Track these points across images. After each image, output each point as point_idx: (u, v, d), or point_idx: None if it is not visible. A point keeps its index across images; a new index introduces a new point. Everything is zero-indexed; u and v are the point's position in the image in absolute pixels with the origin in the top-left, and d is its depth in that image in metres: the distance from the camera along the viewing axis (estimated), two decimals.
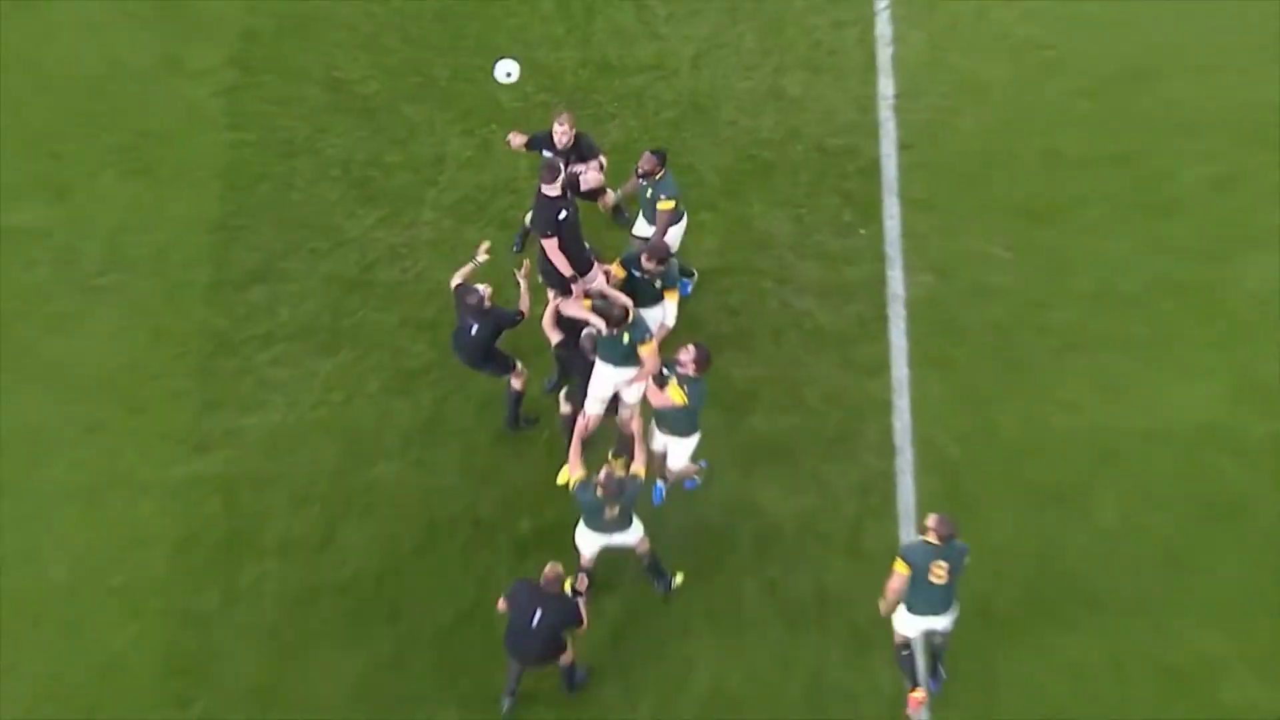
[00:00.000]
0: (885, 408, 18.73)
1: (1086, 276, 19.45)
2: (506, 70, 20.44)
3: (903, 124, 20.57)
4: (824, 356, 19.09)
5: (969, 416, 18.65)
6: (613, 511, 16.52)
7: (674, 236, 19.41)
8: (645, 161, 18.59)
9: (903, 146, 20.62)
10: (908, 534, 17.82)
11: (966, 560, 16.67)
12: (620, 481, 16.24)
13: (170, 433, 18.65)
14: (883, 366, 19.02)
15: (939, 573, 16.13)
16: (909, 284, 19.50)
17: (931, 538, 16.15)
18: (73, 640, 17.22)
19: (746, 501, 18.14)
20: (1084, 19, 21.20)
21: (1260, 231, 19.63)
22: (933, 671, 17.31)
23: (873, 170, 20.35)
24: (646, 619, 17.62)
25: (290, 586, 17.57)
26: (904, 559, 16.43)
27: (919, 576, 16.27)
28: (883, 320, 19.33)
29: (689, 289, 19.63)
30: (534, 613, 16.63)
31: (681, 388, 16.96)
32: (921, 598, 16.49)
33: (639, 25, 21.47)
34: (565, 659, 17.10)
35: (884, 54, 21.25)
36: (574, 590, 16.95)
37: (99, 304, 19.49)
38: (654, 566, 17.62)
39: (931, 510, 16.53)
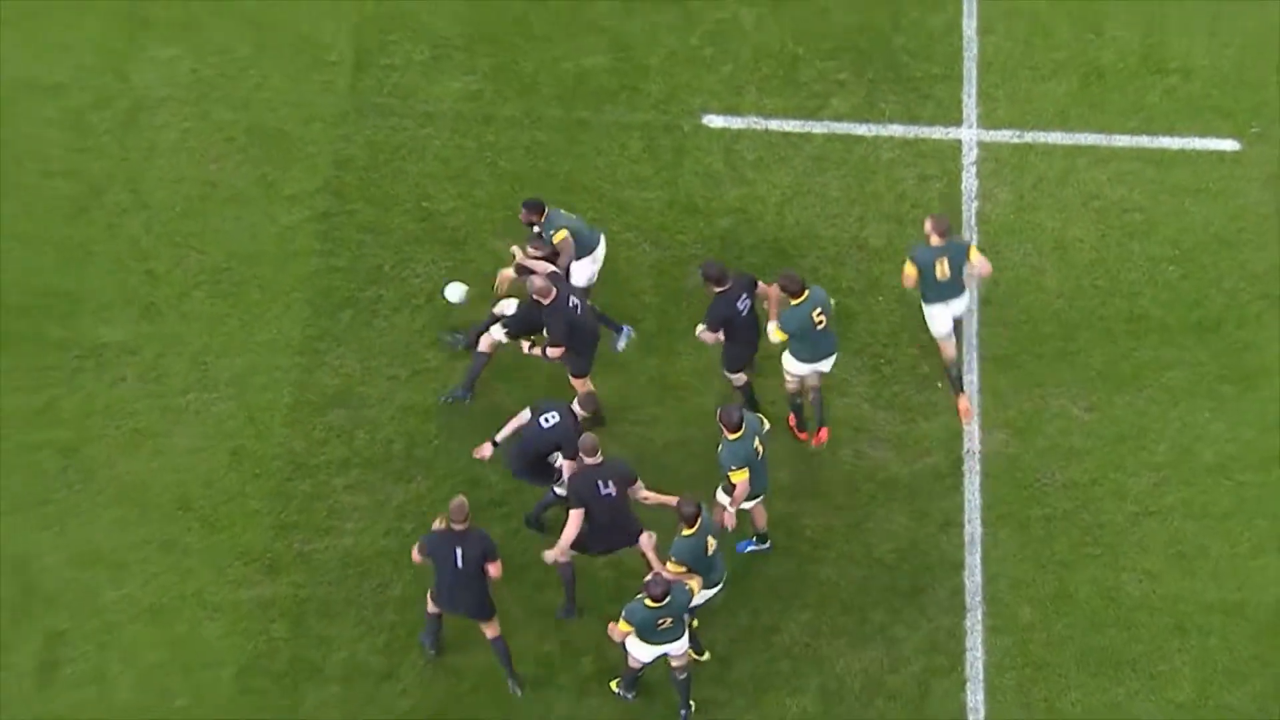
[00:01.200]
0: (958, 565, 18.43)
1: (1166, 443, 19.12)
2: (455, 293, 20.29)
3: (985, 279, 20.11)
4: (897, 508, 18.81)
5: (1043, 578, 18.27)
6: (664, 622, 16.28)
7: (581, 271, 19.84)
8: (522, 216, 19.22)
9: (984, 302, 20.40)
10: (976, 695, 17.51)
11: (970, 254, 19.35)
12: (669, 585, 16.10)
13: (243, 553, 18.45)
14: (956, 522, 18.71)
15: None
16: (985, 440, 19.22)
17: (934, 240, 18.89)
18: None
19: (814, 652, 17.75)
20: (1174, 185, 20.98)
21: None
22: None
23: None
24: None
25: (351, 714, 17.38)
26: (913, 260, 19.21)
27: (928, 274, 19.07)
28: (958, 475, 19.05)
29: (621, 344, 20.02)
30: (454, 552, 16.98)
31: None
32: (934, 291, 19.19)
33: (726, 169, 21.32)
34: (491, 631, 17.46)
35: (969, 209, 21.10)
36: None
37: (181, 422, 19.33)
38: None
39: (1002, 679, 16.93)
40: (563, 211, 19.55)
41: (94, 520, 18.48)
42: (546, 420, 18.07)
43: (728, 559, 17.45)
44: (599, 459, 17.24)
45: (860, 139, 21.47)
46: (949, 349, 20.10)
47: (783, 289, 18.72)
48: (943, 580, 18.16)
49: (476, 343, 19.52)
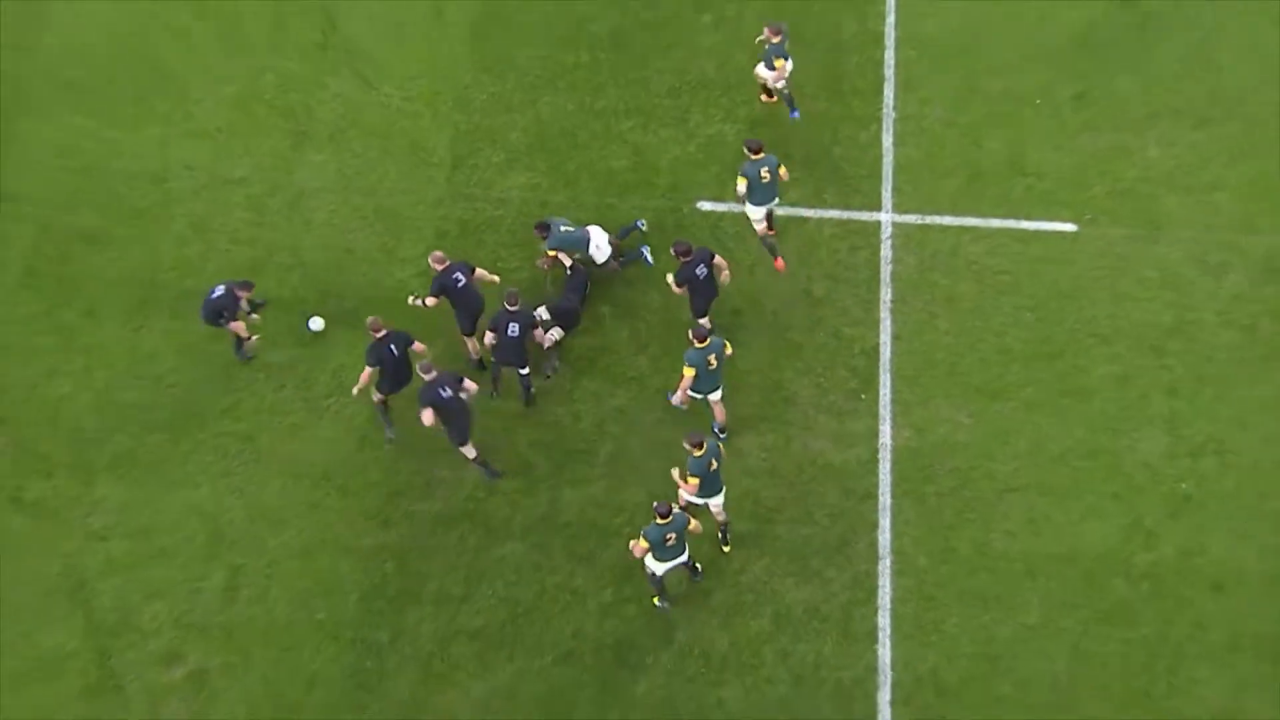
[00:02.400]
0: (873, 526, 18.44)
1: (1024, 439, 19.06)
2: (316, 325, 20.43)
3: (896, 321, 20.16)
4: (830, 485, 18.81)
5: (934, 537, 18.33)
6: (670, 538, 16.52)
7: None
8: (536, 233, 20.17)
9: (895, 337, 20.14)
10: (884, 619, 17.63)
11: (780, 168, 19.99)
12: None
13: (366, 512, 18.59)
14: (873, 495, 18.72)
15: (766, 175, 19.83)
16: (895, 437, 19.17)
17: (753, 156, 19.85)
18: (289, 657, 17.39)
19: (769, 588, 17.92)
20: (1031, 255, 20.66)
21: (1150, 417, 19.22)
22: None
23: (874, 353, 19.94)
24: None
25: (440, 628, 17.59)
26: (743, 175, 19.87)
27: (754, 182, 19.86)
28: (875, 462, 18.99)
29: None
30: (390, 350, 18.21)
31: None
32: (759, 195, 20.03)
33: (713, 240, 20.87)
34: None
35: (885, 271, 20.67)
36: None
37: (324, 419, 19.46)
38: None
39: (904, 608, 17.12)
40: (562, 223, 20.08)
41: (263, 487, 18.73)
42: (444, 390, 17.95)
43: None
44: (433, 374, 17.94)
45: (808, 219, 21.27)
46: (764, 228, 20.63)
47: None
48: (862, 536, 18.24)
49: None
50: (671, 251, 19.33)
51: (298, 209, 21.44)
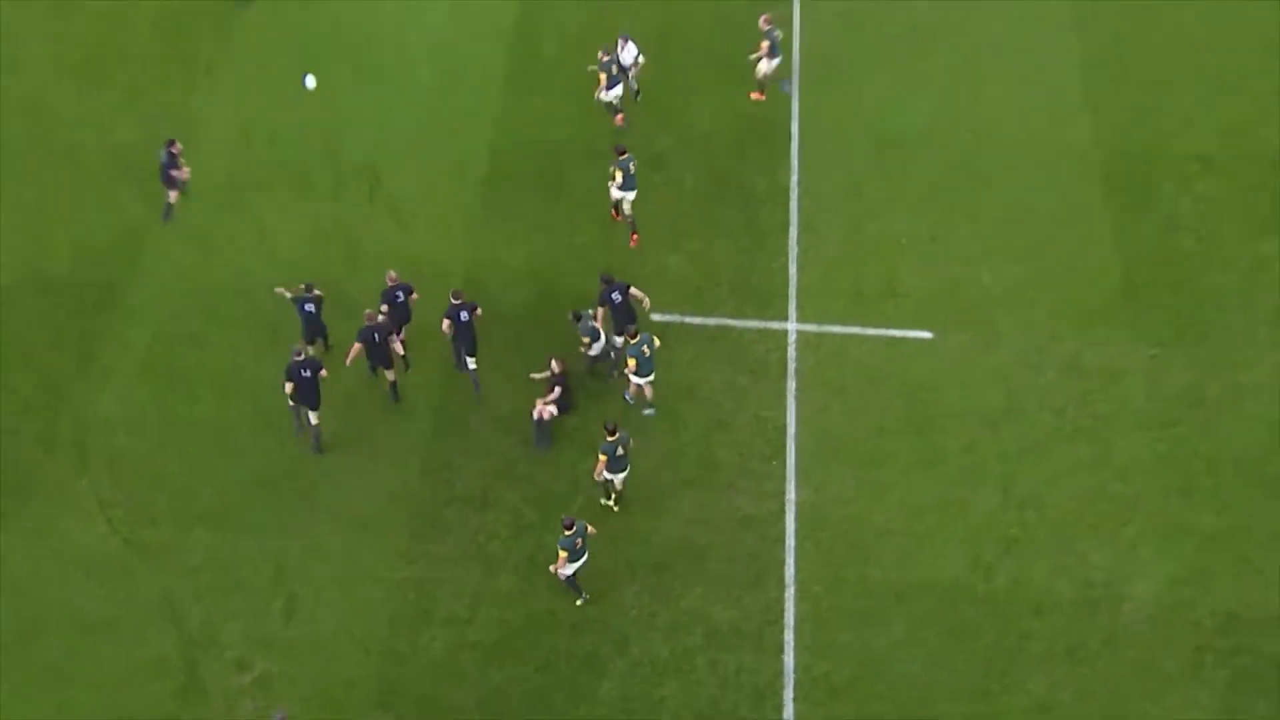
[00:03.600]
0: (781, 563, 18.10)
1: (895, 496, 18.86)
2: (310, 82, 20.65)
3: (800, 406, 20.05)
4: (749, 531, 18.52)
5: (827, 571, 18.01)
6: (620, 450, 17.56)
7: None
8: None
9: (800, 418, 19.86)
10: (789, 636, 17.22)
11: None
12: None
13: (393, 551, 18.16)
14: (781, 539, 18.36)
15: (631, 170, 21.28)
16: (798, 494, 18.93)
17: (621, 157, 21.32)
18: (332, 665, 16.95)
19: (701, 612, 17.53)
20: (901, 354, 20.80)
21: (986, 478, 19.09)
22: None
23: (783, 430, 19.75)
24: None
25: (449, 643, 17.20)
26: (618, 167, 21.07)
27: (625, 174, 21.21)
28: (783, 514, 18.69)
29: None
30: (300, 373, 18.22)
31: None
32: (627, 184, 21.36)
33: (661, 344, 20.06)
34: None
35: (791, 367, 20.64)
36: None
37: (362, 479, 19.13)
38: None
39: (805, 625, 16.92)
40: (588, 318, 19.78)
41: (314, 532, 18.26)
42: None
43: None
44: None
45: (733, 328, 21.05)
46: (628, 209, 21.62)
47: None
48: (773, 571, 17.91)
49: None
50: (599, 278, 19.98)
51: (355, 315, 20.34)
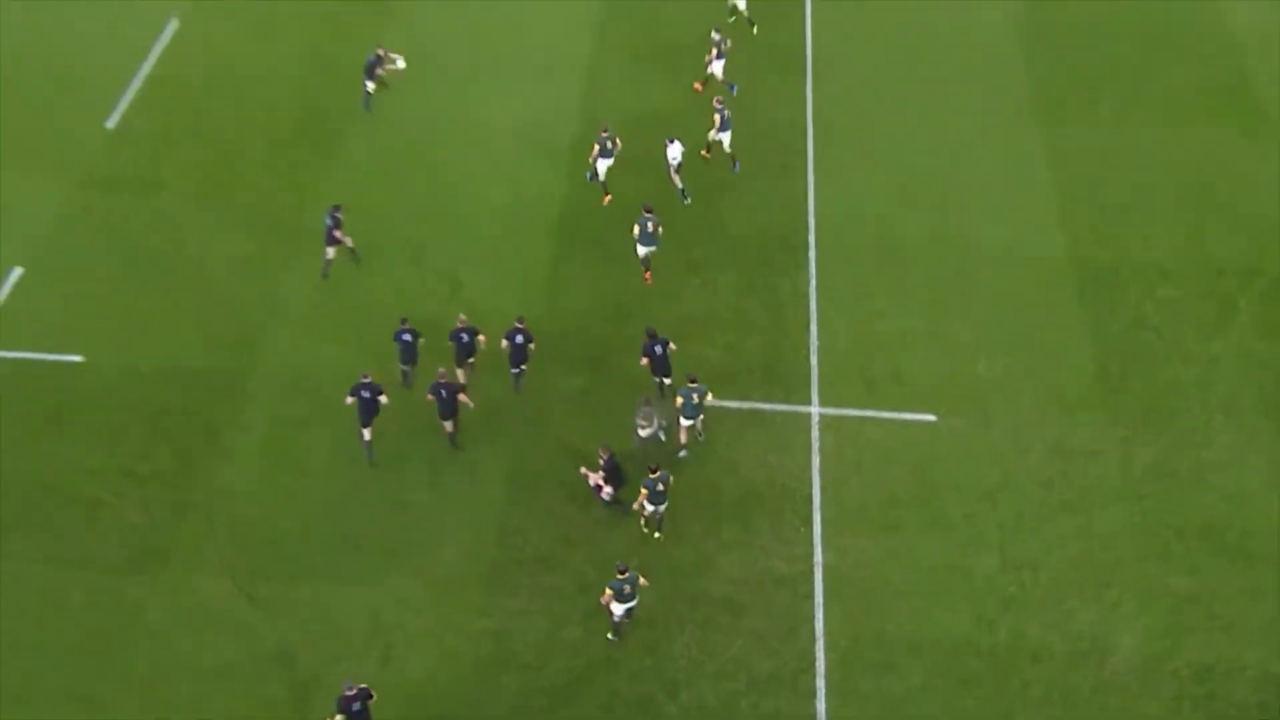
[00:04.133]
0: (811, 618, 18.18)
1: (908, 558, 18.92)
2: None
3: (823, 478, 20.01)
4: (783, 590, 18.60)
5: (851, 625, 18.05)
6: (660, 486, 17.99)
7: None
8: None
9: (823, 489, 19.89)
10: (820, 683, 17.20)
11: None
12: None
13: (472, 607, 18.20)
14: (810, 596, 18.44)
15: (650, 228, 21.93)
16: (824, 557, 18.98)
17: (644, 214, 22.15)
18: (423, 704, 17.07)
19: (743, 661, 17.56)
20: (905, 436, 20.74)
21: (987, 543, 19.15)
22: None
23: (809, 501, 19.79)
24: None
25: (522, 686, 17.21)
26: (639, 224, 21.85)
27: (643, 230, 22.03)
28: (811, 574, 18.79)
29: None
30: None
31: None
32: (643, 240, 22.04)
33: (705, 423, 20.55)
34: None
35: (814, 445, 20.67)
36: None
37: (442, 545, 19.17)
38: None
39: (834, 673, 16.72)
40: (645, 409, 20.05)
41: (405, 588, 18.30)
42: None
43: None
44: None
45: (764, 411, 20.99)
46: (647, 258, 22.37)
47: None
48: (804, 625, 17.94)
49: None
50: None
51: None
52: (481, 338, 20.79)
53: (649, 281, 22.55)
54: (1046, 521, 19.37)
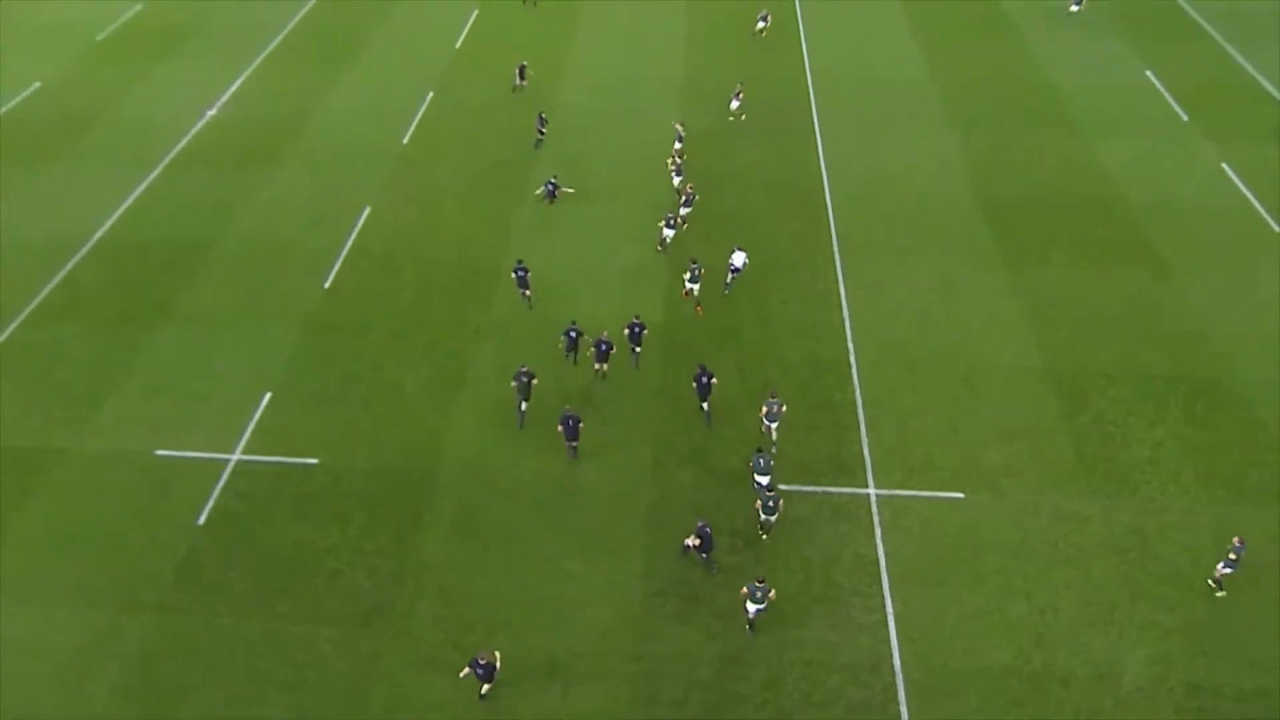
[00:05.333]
0: (889, 659, 17.98)
1: (956, 607, 18.64)
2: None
3: (885, 545, 19.77)
4: (860, 652, 18.27)
5: (920, 658, 17.76)
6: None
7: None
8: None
9: (885, 554, 19.67)
10: (900, 681, 17.00)
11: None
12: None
13: (626, 652, 17.83)
14: (888, 640, 18.29)
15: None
16: (894, 610, 18.75)
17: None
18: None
19: None
20: (943, 509, 20.55)
21: (1015, 594, 19.16)
22: None
23: (875, 564, 19.60)
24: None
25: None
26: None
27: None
28: (886, 623, 18.60)
29: None
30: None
31: None
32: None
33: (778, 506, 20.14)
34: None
35: (876, 519, 20.37)
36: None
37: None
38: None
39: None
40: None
41: (569, 637, 17.94)
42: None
43: None
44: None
45: (833, 494, 20.74)
46: (695, 290, 23.63)
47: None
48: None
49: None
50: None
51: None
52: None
53: (700, 313, 23.38)
54: (1057, 572, 19.43)
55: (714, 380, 21.22)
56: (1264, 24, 39.30)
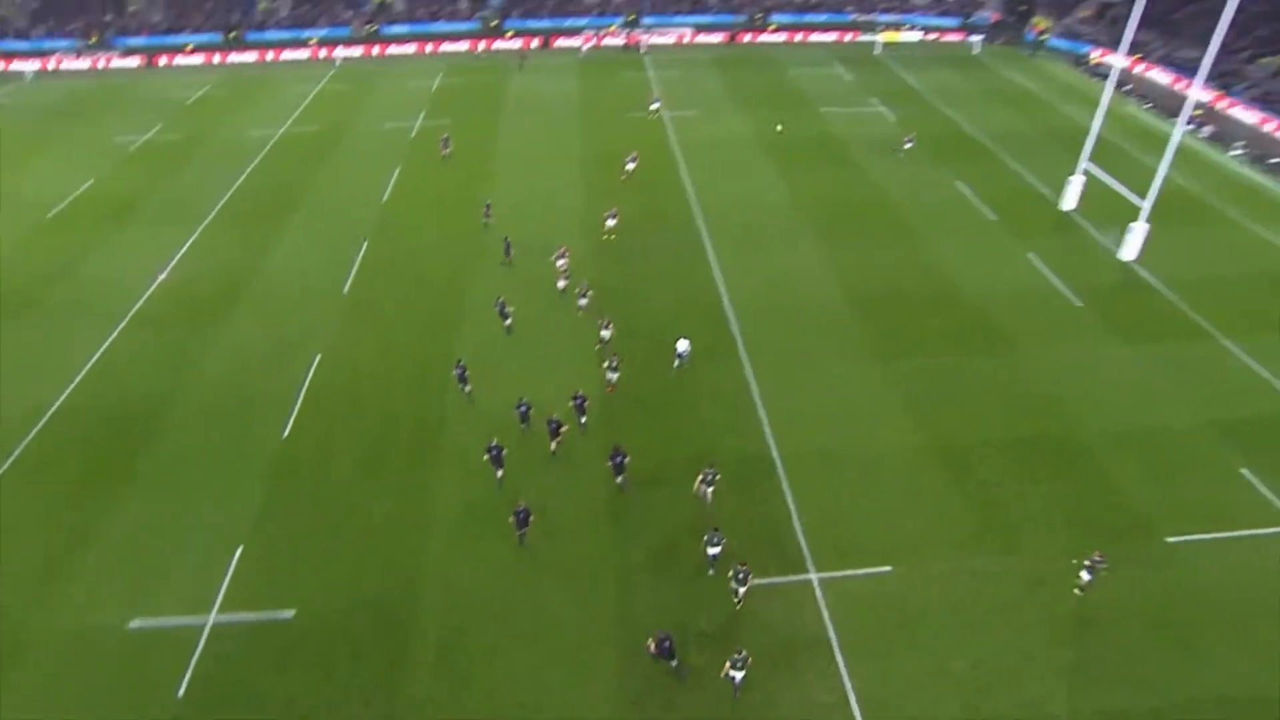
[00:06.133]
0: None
1: (899, 677, 17.69)
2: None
3: (832, 619, 18.97)
4: None
5: None
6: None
7: None
8: None
9: (831, 619, 18.87)
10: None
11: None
12: None
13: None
14: (851, 716, 17.25)
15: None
16: (853, 685, 17.62)
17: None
18: None
19: None
20: (872, 581, 19.75)
21: (958, 657, 18.49)
22: None
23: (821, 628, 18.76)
24: None
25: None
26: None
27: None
28: (846, 700, 17.49)
29: None
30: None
31: None
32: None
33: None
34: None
35: (820, 599, 19.39)
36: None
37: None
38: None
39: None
40: None
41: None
42: None
43: None
44: None
45: (778, 584, 19.55)
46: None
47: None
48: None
49: None
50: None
51: None
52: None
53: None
54: (984, 627, 18.90)
55: (628, 459, 21.29)
56: (1029, 142, 44.10)
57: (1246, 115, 45.14)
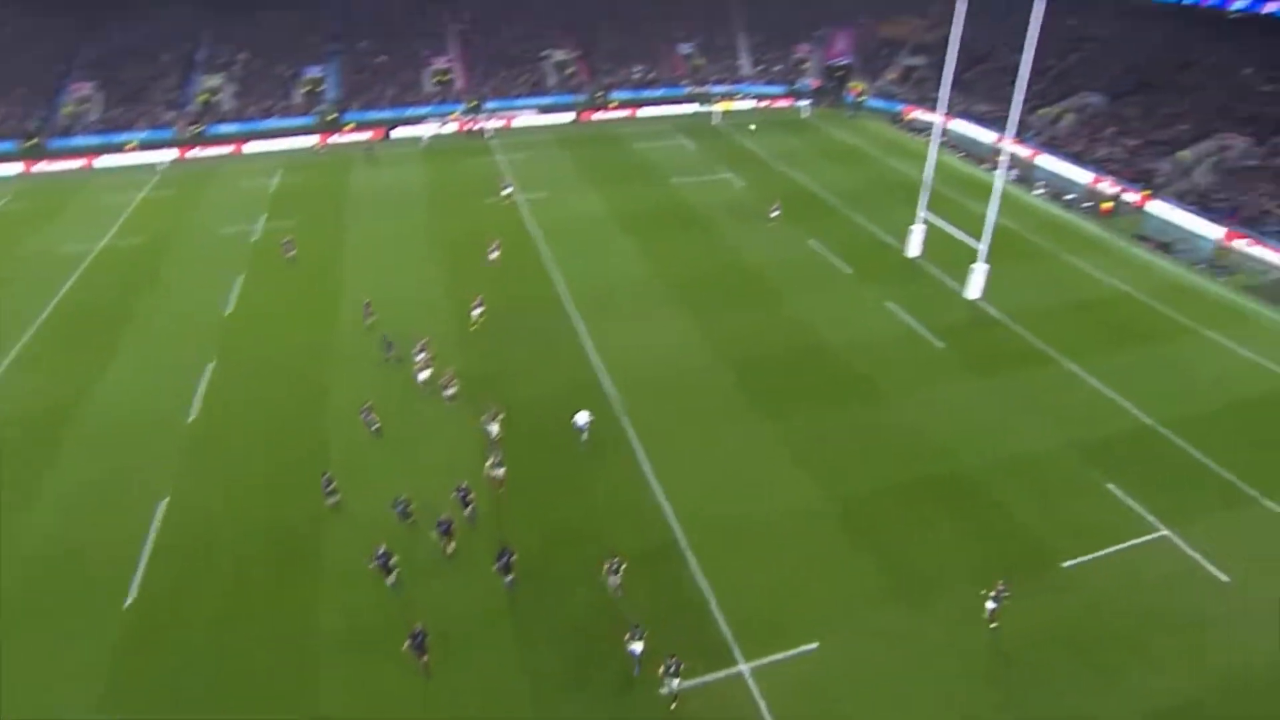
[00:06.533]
0: None
1: None
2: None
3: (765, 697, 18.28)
4: None
5: None
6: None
7: None
8: None
9: (763, 695, 18.28)
10: None
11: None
12: None
13: None
14: None
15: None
16: None
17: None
18: None
19: None
20: (805, 661, 19.24)
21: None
22: None
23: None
24: None
25: None
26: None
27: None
28: None
29: None
30: None
31: None
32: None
33: None
34: None
35: (754, 690, 18.79)
36: None
37: None
38: None
39: None
40: None
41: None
42: None
43: None
44: None
45: (709, 682, 18.54)
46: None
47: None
48: None
49: None
50: None
51: None
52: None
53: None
54: (918, 685, 18.73)
55: (514, 557, 20.28)
56: (866, 196, 45.25)
57: (1041, 160, 51.12)
